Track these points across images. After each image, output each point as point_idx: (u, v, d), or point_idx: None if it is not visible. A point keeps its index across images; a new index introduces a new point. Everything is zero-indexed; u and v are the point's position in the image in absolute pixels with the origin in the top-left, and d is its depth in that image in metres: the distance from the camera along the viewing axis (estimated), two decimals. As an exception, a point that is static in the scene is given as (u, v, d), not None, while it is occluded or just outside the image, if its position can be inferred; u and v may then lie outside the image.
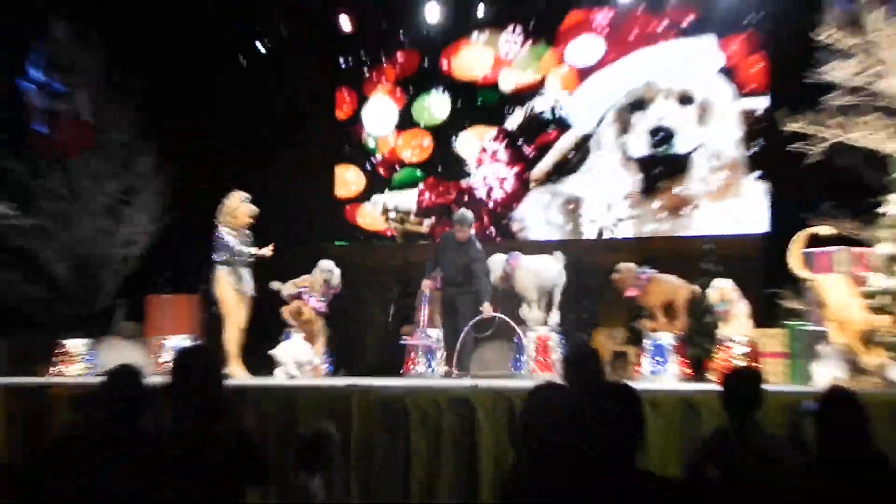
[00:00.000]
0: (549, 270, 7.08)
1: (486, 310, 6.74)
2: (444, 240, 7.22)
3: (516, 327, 6.84)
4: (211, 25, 9.41)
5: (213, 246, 6.66)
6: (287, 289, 7.16)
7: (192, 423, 2.73)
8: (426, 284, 7.09)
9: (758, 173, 8.93)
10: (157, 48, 9.10)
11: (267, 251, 6.73)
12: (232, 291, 6.59)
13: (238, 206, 6.71)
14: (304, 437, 3.64)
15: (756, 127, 8.92)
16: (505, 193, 9.90)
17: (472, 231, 7.08)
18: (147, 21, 9.18)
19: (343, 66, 10.37)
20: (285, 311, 7.03)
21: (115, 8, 9.02)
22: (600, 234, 9.50)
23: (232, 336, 6.57)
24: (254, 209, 6.77)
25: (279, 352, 6.58)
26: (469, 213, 7.18)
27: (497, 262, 7.13)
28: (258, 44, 9.82)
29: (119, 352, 7.17)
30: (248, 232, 6.75)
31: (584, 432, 2.53)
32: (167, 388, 2.85)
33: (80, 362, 6.97)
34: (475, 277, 6.85)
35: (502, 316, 6.87)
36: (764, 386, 3.81)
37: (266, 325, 7.08)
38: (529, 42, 9.85)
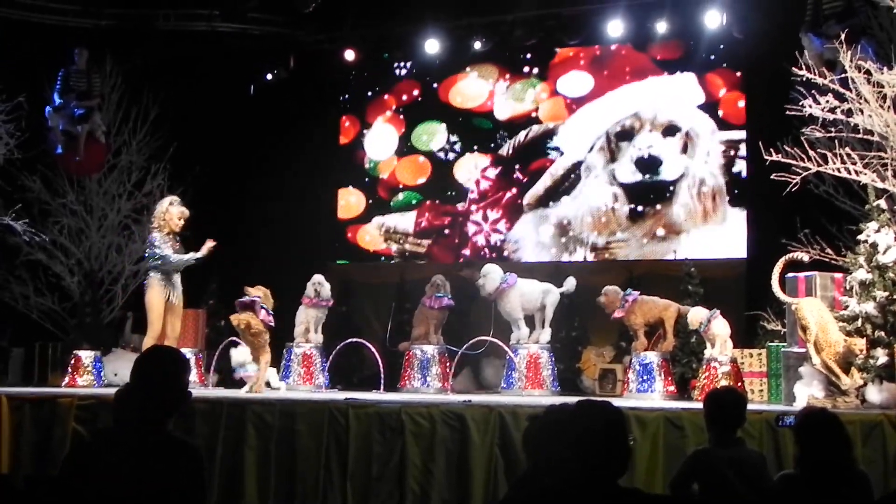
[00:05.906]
0: (533, 292, 6.97)
1: None
2: None
3: (506, 347, 6.75)
4: (222, 55, 9.40)
5: (146, 254, 6.19)
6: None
7: (143, 424, 2.58)
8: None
9: (738, 200, 8.91)
10: (170, 76, 9.09)
11: (207, 248, 6.02)
12: (162, 301, 6.03)
13: (167, 210, 6.10)
14: None
15: (736, 157, 8.93)
16: (499, 217, 9.86)
17: None
18: (161, 51, 9.20)
19: (346, 94, 10.38)
20: (234, 320, 6.26)
21: (131, 39, 9.04)
22: (590, 255, 9.44)
23: (149, 345, 6.18)
24: (184, 211, 6.14)
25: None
26: None
27: (495, 273, 6.97)
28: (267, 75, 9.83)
29: (127, 363, 7.03)
30: (178, 237, 6.13)
31: (575, 449, 2.50)
32: (130, 388, 2.70)
33: (90, 373, 6.87)
34: None
35: (493, 339, 6.79)
36: (746, 406, 3.74)
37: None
38: (523, 75, 9.88)
